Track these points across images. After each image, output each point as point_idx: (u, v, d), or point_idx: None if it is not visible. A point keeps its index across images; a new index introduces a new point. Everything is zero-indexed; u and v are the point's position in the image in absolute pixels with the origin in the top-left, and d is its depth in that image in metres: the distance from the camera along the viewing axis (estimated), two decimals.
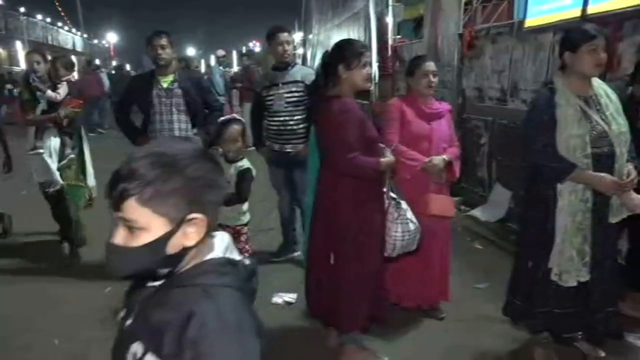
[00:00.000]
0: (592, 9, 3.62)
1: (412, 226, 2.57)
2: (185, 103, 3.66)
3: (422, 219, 2.74)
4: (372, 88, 6.95)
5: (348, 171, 2.42)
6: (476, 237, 4.53)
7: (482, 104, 5.29)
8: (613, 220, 2.47)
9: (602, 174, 2.33)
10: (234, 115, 3.51)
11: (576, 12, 3.76)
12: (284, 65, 3.81)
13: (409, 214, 2.58)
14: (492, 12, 6.25)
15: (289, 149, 3.82)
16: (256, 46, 31.93)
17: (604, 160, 2.37)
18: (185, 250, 1.00)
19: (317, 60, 9.81)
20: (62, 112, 4.09)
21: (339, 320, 2.60)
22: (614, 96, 2.48)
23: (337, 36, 8.57)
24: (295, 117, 3.77)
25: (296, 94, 3.75)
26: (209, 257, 1.04)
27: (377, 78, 6.81)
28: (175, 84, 3.65)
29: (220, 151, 3.27)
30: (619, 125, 2.41)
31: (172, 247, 0.98)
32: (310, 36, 11.88)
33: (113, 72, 17.24)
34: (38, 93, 4.11)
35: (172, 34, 3.72)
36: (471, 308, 3.17)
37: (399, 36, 7.63)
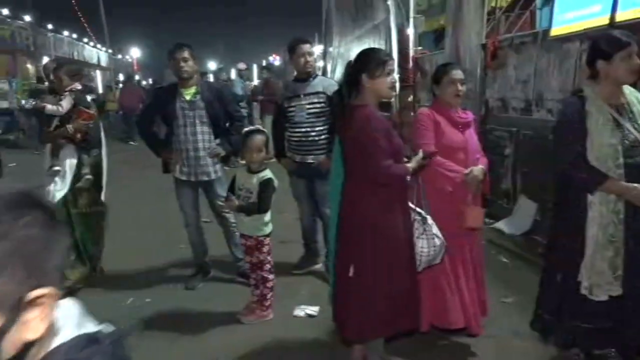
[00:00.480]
0: (620, 16, 3.54)
1: (437, 241, 2.52)
2: (208, 115, 3.68)
3: (458, 234, 2.71)
4: (393, 100, 6.97)
5: (384, 180, 2.38)
6: (501, 250, 4.43)
7: (506, 115, 5.21)
8: None
9: (636, 185, 2.26)
10: (258, 126, 3.52)
11: (604, 20, 3.68)
12: (305, 76, 3.82)
13: (435, 229, 2.52)
14: (514, 22, 6.18)
15: (310, 159, 3.81)
16: (276, 60, 32.19)
17: (637, 171, 2.29)
18: (29, 345, 0.67)
19: (338, 73, 9.83)
20: (71, 126, 3.72)
21: (349, 328, 2.55)
22: None
23: (357, 48, 8.54)
24: (317, 128, 3.77)
25: (318, 105, 3.75)
26: (57, 342, 0.71)
27: (398, 89, 6.80)
28: (198, 96, 3.68)
29: (244, 162, 3.28)
30: None
31: (9, 346, 0.65)
32: (331, 49, 11.92)
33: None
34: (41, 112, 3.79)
35: (193, 48, 3.76)
36: (499, 323, 3.08)
37: (420, 48, 7.61)
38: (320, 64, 13.61)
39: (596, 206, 2.33)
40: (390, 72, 2.41)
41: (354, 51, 9.00)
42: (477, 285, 2.92)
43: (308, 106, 3.76)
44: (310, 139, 3.79)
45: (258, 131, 3.23)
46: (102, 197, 3.98)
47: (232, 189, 3.29)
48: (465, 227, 2.74)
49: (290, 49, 3.84)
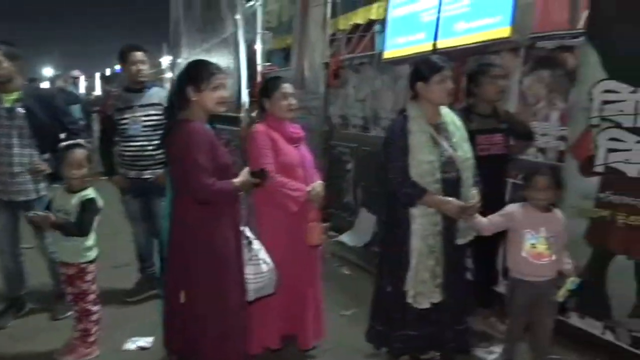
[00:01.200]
0: (440, 44, 3.89)
1: (264, 267, 2.43)
2: (30, 125, 3.22)
3: (296, 251, 2.67)
4: (242, 114, 6.89)
5: (207, 197, 2.24)
6: (344, 263, 4.56)
7: (347, 131, 5.45)
8: (460, 242, 2.61)
9: (450, 199, 2.45)
10: (78, 140, 3.16)
11: (428, 46, 4.01)
12: (139, 86, 3.56)
13: (262, 254, 2.44)
14: (357, 43, 6.53)
15: (147, 175, 3.55)
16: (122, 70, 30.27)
17: (451, 185, 2.49)
18: None
19: None
20: None
21: (184, 355, 2.39)
22: (459, 124, 2.65)
23: None
24: (154, 142, 3.51)
25: (154, 118, 3.51)
26: None
27: (247, 105, 6.74)
28: (18, 104, 3.20)
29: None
30: (464, 151, 2.56)
31: None
32: (179, 60, 11.50)
33: None
34: None
35: (28, 53, 3.26)
36: (337, 336, 3.11)
37: (269, 63, 7.66)
38: (169, 75, 13.10)
39: (418, 219, 2.49)
40: (220, 87, 2.29)
41: None
42: (317, 303, 2.92)
43: (144, 118, 3.51)
44: (147, 153, 3.53)
45: (78, 145, 2.90)
46: None
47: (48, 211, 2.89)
48: (311, 244, 2.74)
49: (121, 57, 3.55)
